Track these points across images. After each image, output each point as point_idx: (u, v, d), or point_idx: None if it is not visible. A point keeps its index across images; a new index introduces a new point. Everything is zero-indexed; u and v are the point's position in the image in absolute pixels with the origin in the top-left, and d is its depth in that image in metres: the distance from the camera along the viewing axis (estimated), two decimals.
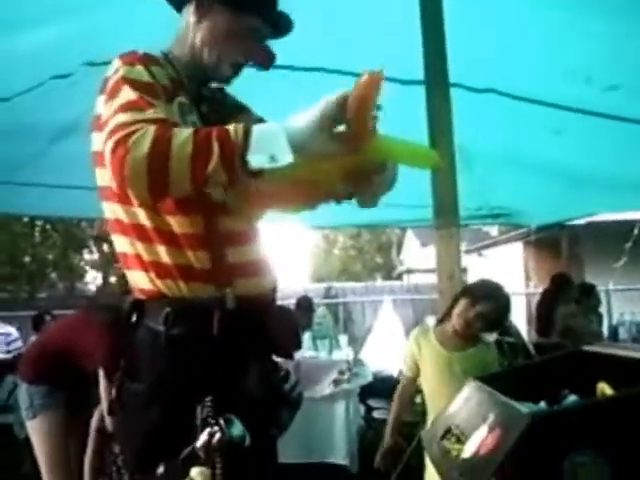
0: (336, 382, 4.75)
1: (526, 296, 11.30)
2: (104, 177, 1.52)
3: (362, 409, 5.35)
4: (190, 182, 1.33)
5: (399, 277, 23.89)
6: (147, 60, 1.53)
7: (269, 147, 1.31)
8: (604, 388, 1.67)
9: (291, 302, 6.07)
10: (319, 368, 4.85)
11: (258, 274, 1.62)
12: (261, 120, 1.75)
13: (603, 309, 6.81)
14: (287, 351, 1.79)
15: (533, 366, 2.35)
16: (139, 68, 1.49)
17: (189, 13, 1.66)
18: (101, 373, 2.94)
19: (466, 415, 1.72)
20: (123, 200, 1.50)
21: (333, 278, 26.87)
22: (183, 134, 1.31)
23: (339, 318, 10.48)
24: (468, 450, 1.48)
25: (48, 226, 18.34)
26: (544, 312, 6.09)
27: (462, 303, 2.72)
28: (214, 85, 1.75)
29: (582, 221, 8.86)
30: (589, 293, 6.13)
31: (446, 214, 2.99)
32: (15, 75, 3.23)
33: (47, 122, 3.90)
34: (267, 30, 1.69)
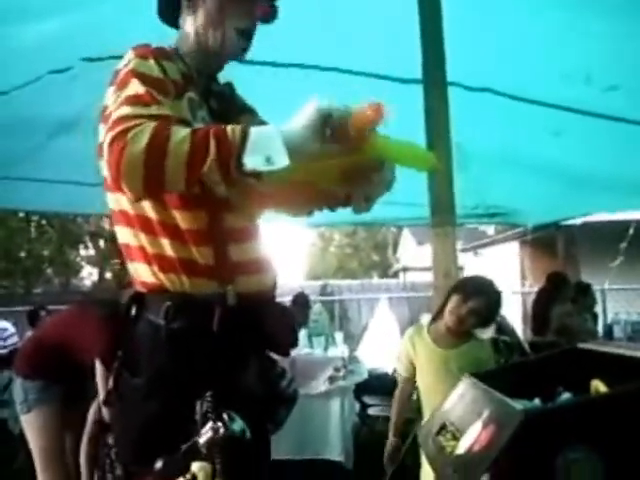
0: (331, 379, 4.77)
1: (522, 295, 11.31)
2: None
3: (357, 406, 5.36)
4: (185, 180, 1.33)
5: (395, 275, 23.91)
6: (159, 54, 1.54)
7: (265, 149, 1.30)
8: (598, 385, 1.68)
9: (287, 299, 6.08)
10: (314, 365, 4.86)
11: (259, 271, 1.62)
12: (265, 124, 1.76)
13: (598, 308, 6.83)
14: (284, 348, 1.79)
15: (528, 364, 2.36)
16: (150, 62, 1.49)
17: (184, 13, 1.67)
18: (98, 365, 2.94)
19: (461, 411, 1.73)
20: None
21: (329, 276, 26.86)
22: (182, 132, 1.31)
23: (335, 316, 10.48)
24: (462, 446, 1.49)
25: (44, 221, 18.28)
26: (540, 311, 6.10)
27: (454, 299, 2.73)
28: (223, 82, 1.75)
29: (578, 221, 8.89)
30: (585, 292, 6.15)
31: (442, 212, 2.99)
32: (13, 69, 3.22)
33: (44, 117, 3.90)
34: None
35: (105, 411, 2.99)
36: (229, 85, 1.76)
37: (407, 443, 3.06)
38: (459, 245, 9.21)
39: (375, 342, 8.50)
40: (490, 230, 14.94)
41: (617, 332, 6.47)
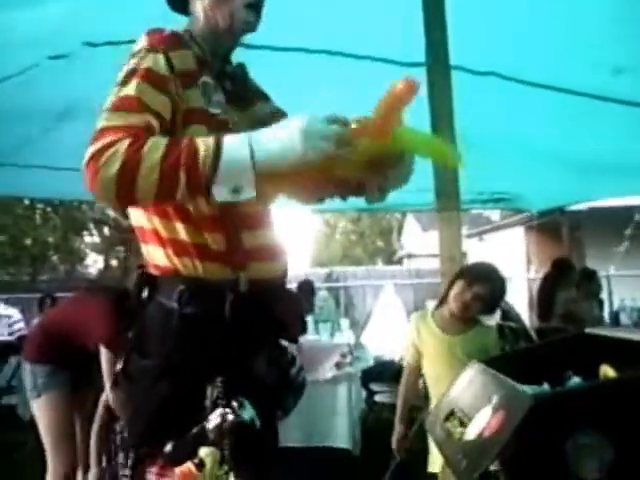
0: (338, 365, 4.77)
1: (527, 281, 11.31)
2: None
3: (364, 393, 5.37)
4: (155, 203, 1.43)
5: (400, 262, 23.90)
6: (172, 43, 1.53)
7: (235, 179, 1.33)
8: (607, 370, 1.67)
9: (293, 286, 6.08)
10: (321, 351, 4.87)
11: (271, 258, 1.63)
12: (278, 110, 1.76)
13: (604, 295, 6.82)
14: (293, 335, 1.79)
15: (535, 349, 2.36)
16: (159, 56, 1.49)
17: None
18: (103, 350, 2.95)
19: (469, 397, 1.72)
20: None
21: (334, 263, 26.85)
22: (153, 157, 1.32)
23: (340, 302, 10.50)
24: (471, 432, 1.49)
25: (49, 209, 18.32)
26: (545, 297, 6.09)
27: (458, 285, 2.73)
28: (235, 62, 1.74)
29: (583, 207, 8.87)
30: (590, 278, 6.13)
31: (448, 197, 2.98)
32: (14, 55, 3.21)
33: (47, 103, 3.88)
34: None
35: (111, 396, 3.00)
36: (241, 66, 1.75)
37: (414, 430, 3.07)
38: (464, 231, 9.19)
39: (380, 328, 8.51)
40: (495, 216, 14.93)
41: (623, 319, 6.46)
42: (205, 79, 1.56)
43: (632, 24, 3.00)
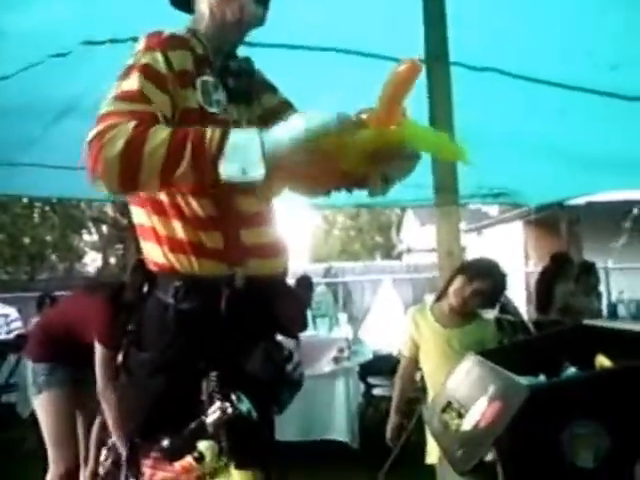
0: (336, 360, 4.78)
1: (525, 275, 11.32)
2: None
3: (362, 387, 5.38)
4: (159, 183, 1.37)
5: (398, 257, 23.90)
6: (170, 44, 1.54)
7: (242, 159, 1.30)
8: (602, 361, 1.68)
9: (291, 282, 6.09)
10: (319, 346, 4.87)
11: (271, 256, 1.64)
12: (286, 101, 1.77)
13: (602, 287, 6.83)
14: (293, 331, 1.80)
15: (532, 341, 2.38)
16: (157, 55, 1.49)
17: None
18: (97, 347, 2.94)
19: (466, 388, 1.73)
20: None
21: (333, 258, 26.84)
22: (159, 135, 1.32)
23: (338, 297, 10.50)
24: (468, 422, 1.50)
25: (47, 207, 18.30)
26: (543, 290, 6.10)
27: (458, 280, 2.73)
28: (240, 57, 1.74)
29: (581, 201, 8.87)
30: (589, 271, 6.14)
31: (446, 191, 2.99)
32: (14, 53, 3.21)
33: (46, 102, 3.88)
34: None
35: (101, 395, 2.97)
36: (247, 60, 1.74)
37: (412, 422, 3.08)
38: (462, 226, 9.21)
39: (379, 323, 8.52)
40: (493, 211, 14.91)
41: (621, 311, 6.45)
42: (205, 78, 1.57)
43: (630, 19, 3.00)
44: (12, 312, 6.63)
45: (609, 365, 1.65)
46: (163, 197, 1.53)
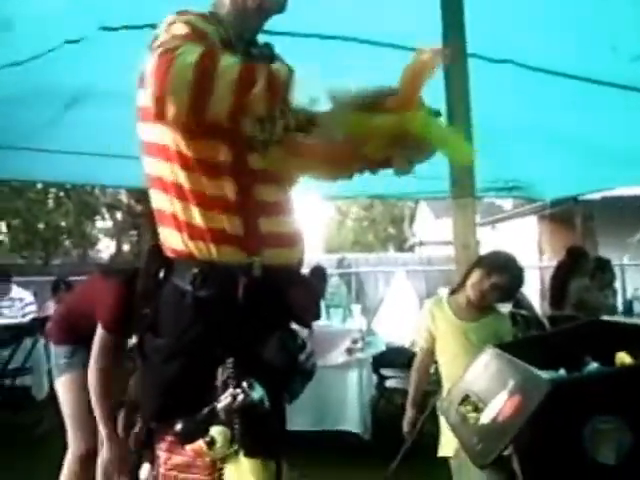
0: (349, 351, 4.77)
1: (539, 270, 11.26)
2: (150, 132, 1.55)
3: (375, 379, 5.38)
4: (230, 104, 1.32)
5: (411, 249, 23.87)
6: (201, 17, 1.54)
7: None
8: (624, 357, 1.67)
9: (304, 272, 6.09)
10: (332, 337, 4.87)
11: (288, 245, 1.64)
12: None
13: (617, 284, 6.77)
14: (307, 320, 1.81)
15: (549, 336, 2.36)
16: (194, 18, 1.50)
17: None
18: (98, 330, 2.94)
19: (485, 381, 1.72)
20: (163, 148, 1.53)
21: (346, 249, 26.86)
22: (231, 58, 1.32)
23: (352, 288, 10.50)
24: (487, 416, 1.49)
25: (62, 193, 18.40)
26: (558, 284, 6.06)
27: (476, 274, 2.72)
28: (261, 43, 1.74)
29: (597, 196, 8.81)
30: (604, 268, 6.08)
31: (463, 184, 2.97)
32: (29, 39, 3.21)
33: (60, 88, 3.88)
34: None
35: (91, 374, 2.99)
36: (268, 46, 1.74)
37: (425, 415, 3.07)
38: (477, 219, 9.18)
39: (392, 315, 8.51)
40: (507, 205, 14.86)
41: (637, 308, 6.41)
42: None
43: None
44: (27, 296, 6.67)
45: (630, 362, 1.63)
46: (185, 183, 1.52)
